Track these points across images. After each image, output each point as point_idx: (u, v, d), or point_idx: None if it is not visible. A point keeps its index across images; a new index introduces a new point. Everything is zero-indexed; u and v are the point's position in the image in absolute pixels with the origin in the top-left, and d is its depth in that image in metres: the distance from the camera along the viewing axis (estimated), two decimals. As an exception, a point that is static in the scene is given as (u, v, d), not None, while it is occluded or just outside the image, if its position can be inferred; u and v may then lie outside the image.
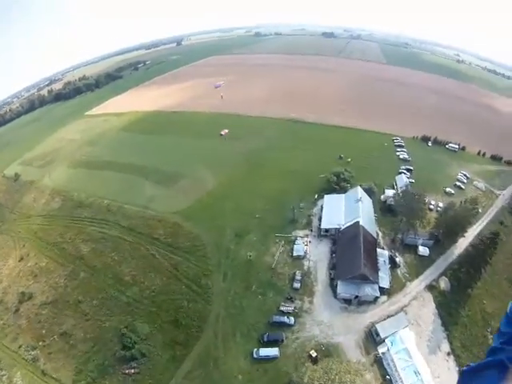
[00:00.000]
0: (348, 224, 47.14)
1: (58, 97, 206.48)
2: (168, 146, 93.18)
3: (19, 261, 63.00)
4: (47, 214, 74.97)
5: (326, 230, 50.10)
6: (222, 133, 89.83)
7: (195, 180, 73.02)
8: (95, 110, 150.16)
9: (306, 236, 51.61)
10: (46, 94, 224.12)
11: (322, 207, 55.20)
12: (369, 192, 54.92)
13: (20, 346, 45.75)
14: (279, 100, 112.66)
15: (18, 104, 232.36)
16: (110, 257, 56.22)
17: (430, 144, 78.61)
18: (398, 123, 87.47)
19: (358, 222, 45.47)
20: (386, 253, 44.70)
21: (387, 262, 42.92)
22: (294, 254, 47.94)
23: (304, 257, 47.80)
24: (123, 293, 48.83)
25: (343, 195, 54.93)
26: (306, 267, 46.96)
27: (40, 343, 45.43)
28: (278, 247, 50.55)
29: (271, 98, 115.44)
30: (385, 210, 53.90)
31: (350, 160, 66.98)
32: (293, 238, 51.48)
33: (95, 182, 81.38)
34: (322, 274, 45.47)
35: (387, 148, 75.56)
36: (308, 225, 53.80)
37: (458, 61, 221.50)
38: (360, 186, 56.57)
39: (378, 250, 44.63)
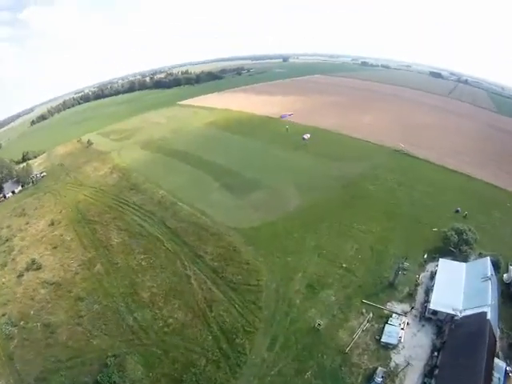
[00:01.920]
0: (468, 312, 42.71)
1: (158, 84, 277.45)
2: (253, 149, 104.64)
3: (49, 225, 75.18)
4: (98, 187, 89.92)
5: (434, 313, 44.88)
6: (305, 136, 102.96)
7: (274, 195, 75.80)
8: (188, 102, 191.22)
9: (405, 314, 45.66)
10: (148, 80, 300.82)
11: (432, 275, 52.00)
12: (494, 267, 51.36)
13: (4, 315, 51.70)
14: (386, 128, 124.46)
15: (120, 84, 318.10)
16: (137, 259, 59.02)
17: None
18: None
19: (484, 314, 40.73)
20: (504, 366, 38.73)
21: (502, 381, 37.05)
22: (383, 338, 42.12)
23: (395, 346, 41.46)
24: (131, 312, 48.57)
25: (464, 265, 52.06)
26: (392, 363, 39.79)
27: (21, 323, 49.85)
28: (361, 320, 44.77)
29: (377, 124, 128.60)
30: (507, 297, 48.32)
31: (465, 214, 67.83)
32: (386, 311, 45.98)
33: (160, 168, 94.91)
34: (411, 381, 38.39)
35: (511, 209, 73.93)
36: (410, 297, 48.71)
37: None
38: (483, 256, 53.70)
39: (495, 359, 39.22)
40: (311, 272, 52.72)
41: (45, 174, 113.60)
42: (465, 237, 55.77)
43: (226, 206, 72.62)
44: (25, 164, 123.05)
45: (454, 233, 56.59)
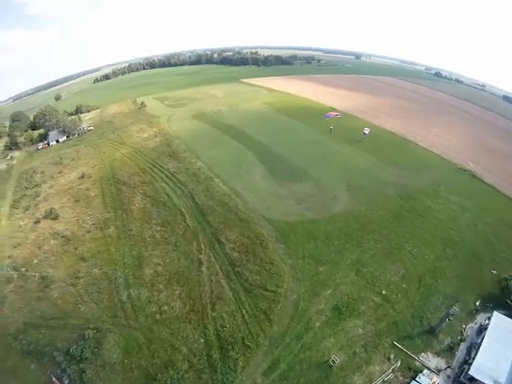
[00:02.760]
0: (512, 388, 35.14)
1: (224, 61, 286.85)
2: (307, 137, 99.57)
3: (79, 178, 77.63)
4: (138, 148, 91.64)
5: (472, 379, 37.54)
6: (365, 131, 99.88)
7: (321, 191, 69.93)
8: (251, 80, 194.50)
9: (437, 372, 37.68)
10: (215, 56, 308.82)
11: (481, 329, 44.41)
12: None
13: (10, 257, 53.72)
14: (455, 143, 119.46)
15: (187, 55, 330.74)
16: (152, 230, 56.82)
17: None
18: None
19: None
20: None
21: None
22: (404, 398, 35.50)
23: (415, 412, 34.67)
24: (128, 287, 45.95)
25: None
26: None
27: (23, 269, 50.82)
28: (385, 368, 37.14)
29: (446, 137, 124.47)
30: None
31: None
32: (418, 363, 38.19)
33: (205, 140, 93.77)
34: None
35: None
36: (450, 351, 40.48)
37: None
38: None
39: None
40: (343, 292, 45.66)
41: (92, 128, 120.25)
42: None
43: (265, 191, 67.85)
44: (74, 116, 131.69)
45: None
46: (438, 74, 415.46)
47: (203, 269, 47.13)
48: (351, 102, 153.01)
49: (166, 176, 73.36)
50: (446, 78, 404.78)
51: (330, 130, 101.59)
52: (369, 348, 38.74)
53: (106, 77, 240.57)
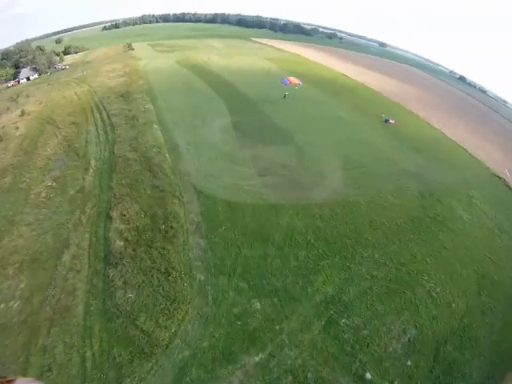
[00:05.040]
0: None
1: (240, 22, 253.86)
2: (308, 100, 71.48)
3: (19, 116, 59.03)
4: (95, 87, 70.73)
5: None
6: (391, 120, 73.29)
7: (302, 161, 44.46)
8: (260, 40, 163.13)
9: None
10: (231, 17, 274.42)
11: None
12: None
13: None
14: (487, 145, 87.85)
15: (204, 14, 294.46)
16: (43, 184, 37.34)
17: None
18: None
19: None
20: None
21: None
22: None
23: None
24: None
25: None
26: None
27: None
28: None
29: (476, 136, 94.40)
30: None
31: None
32: None
33: (176, 84, 72.18)
34: None
35: None
36: None
37: None
38: None
39: None
40: (287, 365, 20.72)
41: (66, 67, 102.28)
42: None
43: (217, 150, 43.93)
44: (57, 56, 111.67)
45: None
46: (462, 79, 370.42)
47: (65, 257, 26.45)
48: (373, 79, 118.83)
49: (102, 119, 52.06)
50: (469, 84, 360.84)
51: (285, 95, 70.40)
52: None
53: (116, 25, 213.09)
